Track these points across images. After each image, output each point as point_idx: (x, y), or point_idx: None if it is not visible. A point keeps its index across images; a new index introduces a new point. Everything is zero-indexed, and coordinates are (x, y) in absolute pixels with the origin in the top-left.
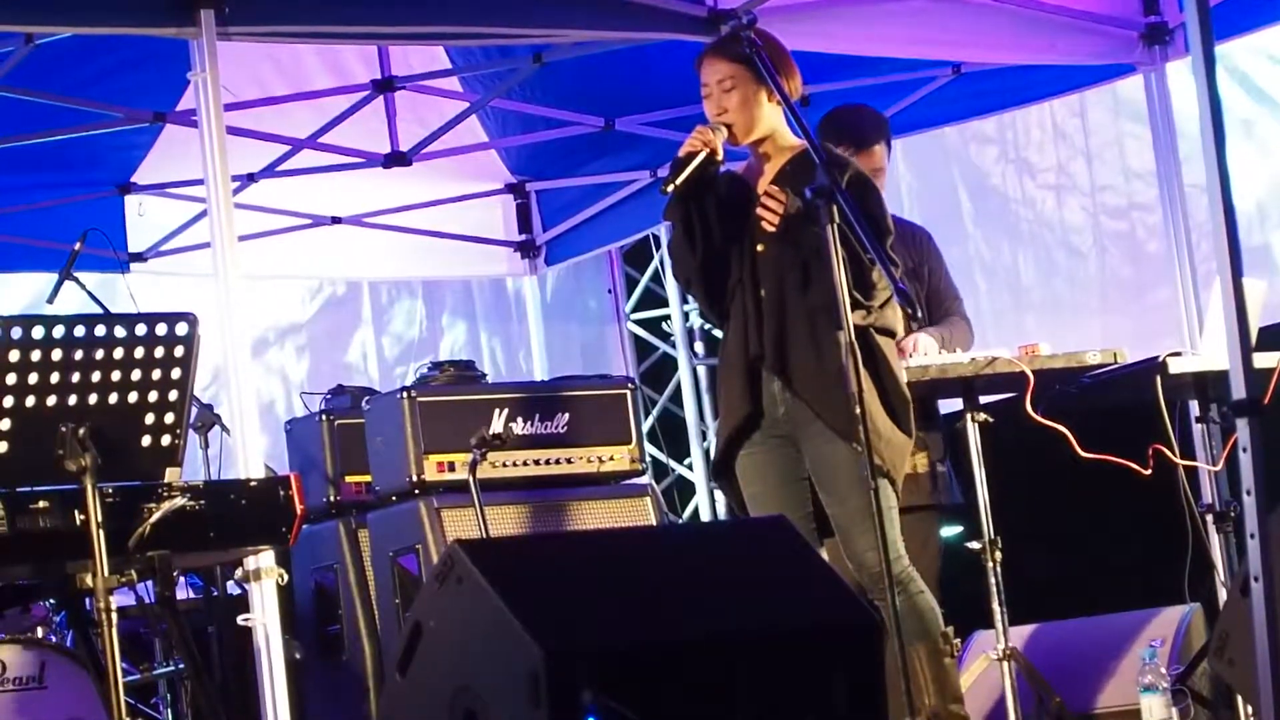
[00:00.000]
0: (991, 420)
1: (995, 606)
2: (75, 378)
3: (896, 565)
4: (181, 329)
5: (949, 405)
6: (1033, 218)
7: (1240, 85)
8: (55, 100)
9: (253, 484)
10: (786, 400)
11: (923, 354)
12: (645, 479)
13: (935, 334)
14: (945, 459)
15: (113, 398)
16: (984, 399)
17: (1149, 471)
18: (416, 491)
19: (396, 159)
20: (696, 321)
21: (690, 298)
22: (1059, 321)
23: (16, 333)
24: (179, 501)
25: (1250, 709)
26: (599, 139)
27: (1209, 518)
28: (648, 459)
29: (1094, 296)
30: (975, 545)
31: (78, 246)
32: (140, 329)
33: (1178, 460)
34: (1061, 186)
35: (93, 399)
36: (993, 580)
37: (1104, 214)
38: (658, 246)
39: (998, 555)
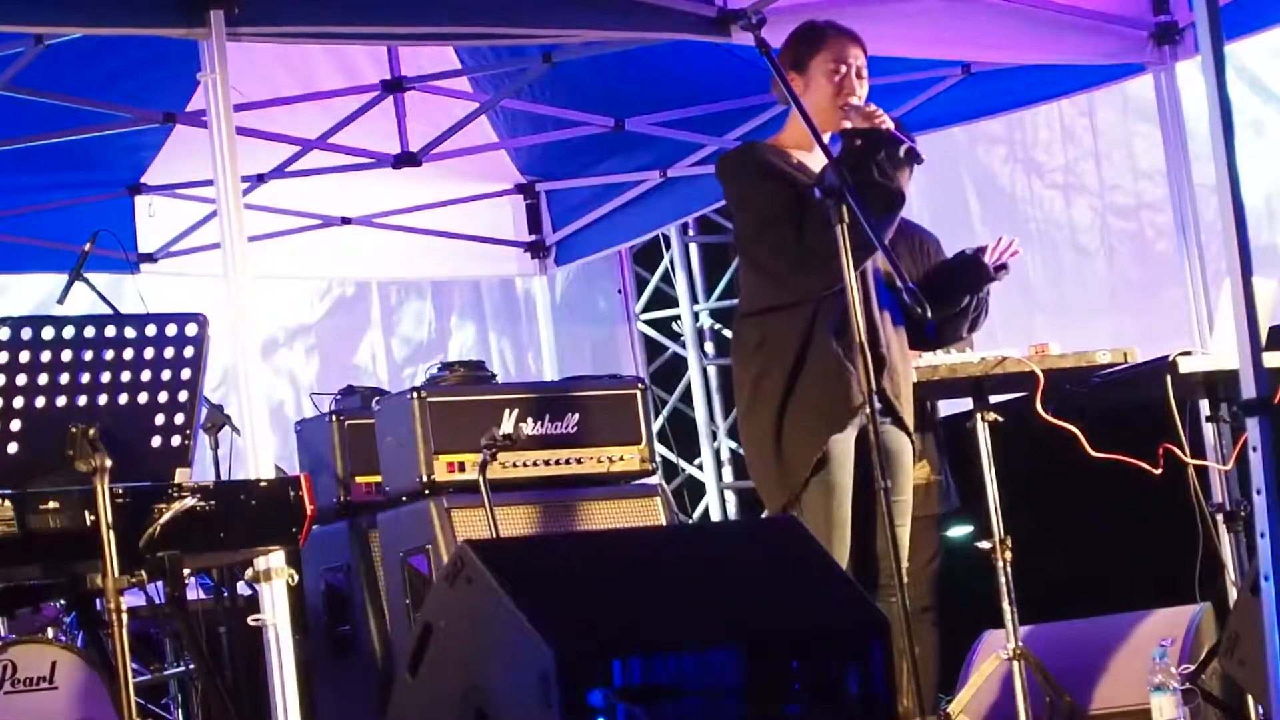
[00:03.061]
0: (1001, 420)
1: (1005, 606)
2: (85, 378)
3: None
4: (191, 329)
5: (956, 406)
6: (1041, 218)
7: (1249, 86)
8: (65, 101)
9: (263, 484)
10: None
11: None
12: (655, 479)
13: None
14: (943, 470)
15: (123, 398)
16: (994, 398)
17: (1159, 471)
18: (426, 492)
19: (406, 159)
20: (706, 321)
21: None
22: (1067, 321)
23: (26, 333)
24: (189, 502)
25: (1261, 709)
26: (609, 139)
27: (1219, 517)
28: (658, 459)
29: (1102, 296)
30: (985, 545)
31: (87, 247)
32: (150, 330)
33: (1188, 460)
34: (1069, 186)
35: (103, 399)
36: (1003, 580)
37: (1112, 214)
38: (668, 246)
39: (1008, 555)
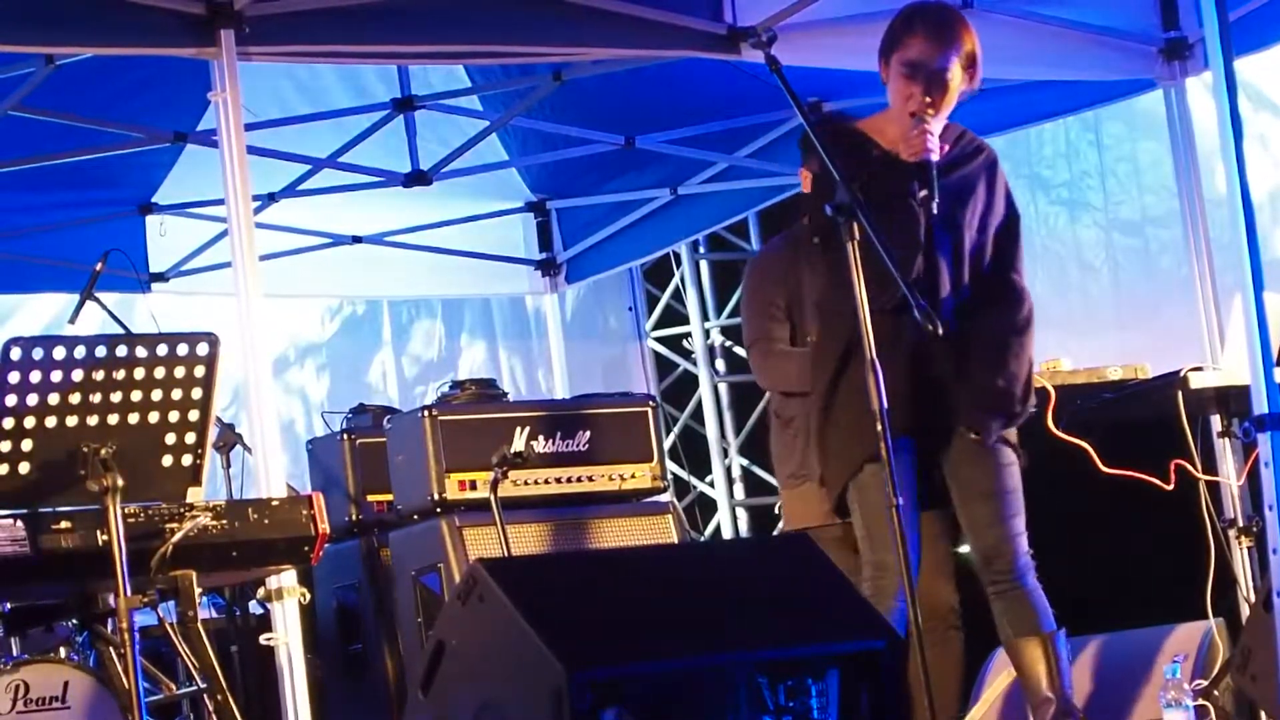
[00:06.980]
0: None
1: None
2: (97, 398)
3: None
4: (202, 349)
5: None
6: (1045, 234)
7: (1253, 100)
8: (76, 121)
9: (275, 503)
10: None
11: None
12: (667, 497)
13: None
14: None
15: (134, 418)
16: None
17: (1171, 486)
18: (438, 510)
19: (417, 178)
20: (717, 339)
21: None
22: (1072, 337)
23: (38, 354)
24: (201, 521)
25: None
26: (619, 157)
27: (1231, 532)
28: (669, 476)
29: (1107, 312)
30: None
31: (99, 267)
32: (161, 349)
33: (1200, 475)
34: (1074, 202)
35: (114, 419)
36: None
37: (1117, 230)
38: (678, 264)
39: None
